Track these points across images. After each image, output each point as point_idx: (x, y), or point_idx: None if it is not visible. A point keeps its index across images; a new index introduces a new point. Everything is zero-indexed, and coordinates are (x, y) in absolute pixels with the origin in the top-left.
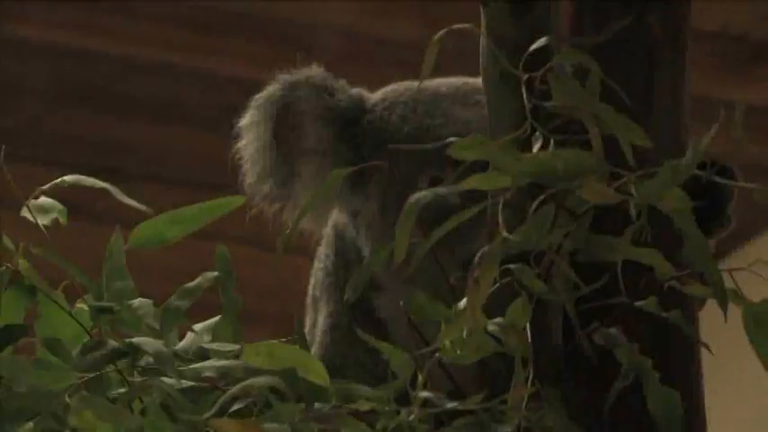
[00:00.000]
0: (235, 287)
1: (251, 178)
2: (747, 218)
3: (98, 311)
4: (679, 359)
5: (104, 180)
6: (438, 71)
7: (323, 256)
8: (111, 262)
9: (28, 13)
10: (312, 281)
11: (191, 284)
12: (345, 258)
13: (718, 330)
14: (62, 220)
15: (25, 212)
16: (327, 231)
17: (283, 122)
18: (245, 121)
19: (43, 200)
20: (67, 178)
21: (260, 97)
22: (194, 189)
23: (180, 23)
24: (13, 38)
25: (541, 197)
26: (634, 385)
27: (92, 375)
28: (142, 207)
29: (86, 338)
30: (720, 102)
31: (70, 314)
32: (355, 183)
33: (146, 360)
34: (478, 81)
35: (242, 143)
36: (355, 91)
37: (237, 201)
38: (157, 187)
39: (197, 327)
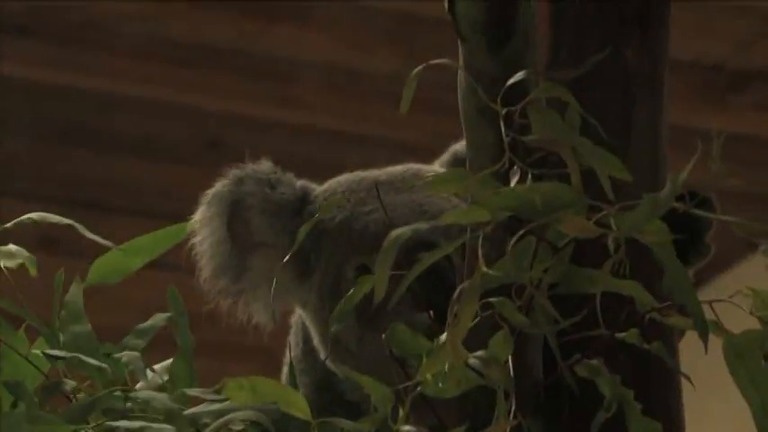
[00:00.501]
0: (188, 326)
1: (206, 273)
2: (725, 247)
3: (52, 358)
4: (659, 390)
5: (87, 214)
6: (416, 103)
7: (293, 343)
8: (69, 307)
9: (7, 50)
10: (285, 370)
11: (144, 325)
12: (310, 345)
13: (697, 362)
14: (32, 271)
15: None
16: (296, 319)
17: (235, 217)
18: (197, 216)
19: (11, 246)
20: (34, 215)
21: (210, 194)
22: (177, 222)
23: (160, 59)
24: None
25: (521, 231)
26: (615, 417)
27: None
28: (107, 242)
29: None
30: (697, 131)
31: (26, 359)
32: (301, 274)
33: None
34: (425, 167)
35: (197, 239)
36: (300, 183)
37: (184, 229)
38: (141, 221)
39: (156, 367)
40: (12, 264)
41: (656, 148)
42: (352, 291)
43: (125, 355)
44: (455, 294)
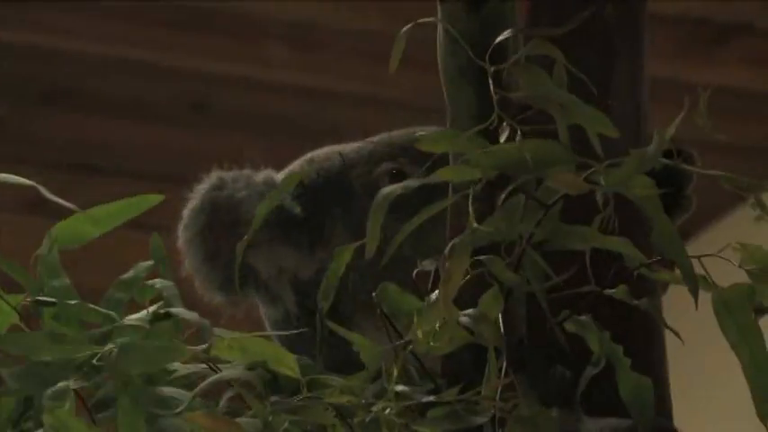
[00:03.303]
0: (171, 276)
1: (205, 293)
2: (709, 201)
3: (40, 305)
4: (643, 347)
5: (75, 176)
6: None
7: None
8: (45, 262)
9: None
10: None
11: (127, 275)
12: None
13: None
14: None
15: None
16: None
17: (214, 230)
18: (179, 242)
19: None
20: (1, 176)
21: (185, 216)
22: (163, 182)
23: (145, 21)
24: None
25: (510, 188)
26: (604, 372)
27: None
28: (70, 205)
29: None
30: (683, 84)
31: (7, 302)
32: (311, 245)
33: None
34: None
35: (185, 264)
36: (262, 175)
37: (156, 198)
38: (128, 182)
39: (134, 317)
40: None
41: (637, 102)
42: (332, 264)
43: (158, 282)
44: (445, 251)
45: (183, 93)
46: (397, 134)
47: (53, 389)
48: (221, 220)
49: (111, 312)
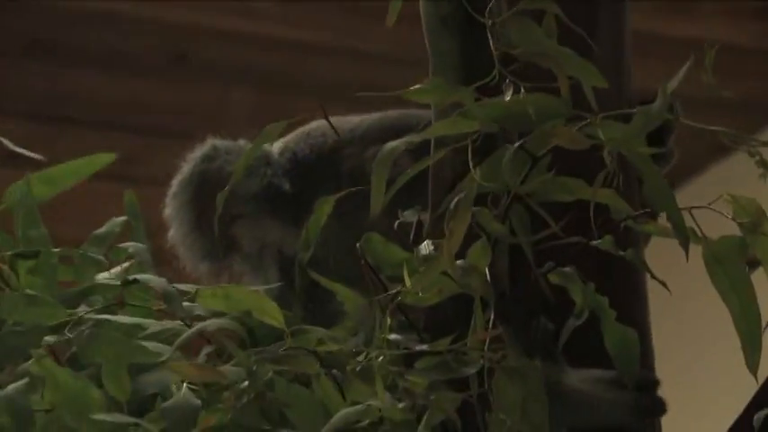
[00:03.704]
0: (143, 231)
1: (188, 262)
2: (691, 153)
3: (17, 257)
4: (625, 299)
5: (54, 128)
6: (380, 12)
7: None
8: (23, 211)
9: None
10: None
11: (101, 230)
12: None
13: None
14: None
15: None
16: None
17: (202, 199)
18: (167, 213)
19: None
20: None
21: (173, 187)
22: (145, 135)
23: None
24: None
25: (519, 143)
26: (589, 322)
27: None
28: (36, 155)
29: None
30: (662, 38)
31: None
32: (298, 220)
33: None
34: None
35: (171, 233)
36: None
37: (106, 159)
38: (108, 134)
39: (106, 275)
40: None
41: (619, 53)
42: (313, 216)
43: (131, 246)
44: (450, 205)
45: (165, 44)
46: (392, 116)
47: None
48: (210, 192)
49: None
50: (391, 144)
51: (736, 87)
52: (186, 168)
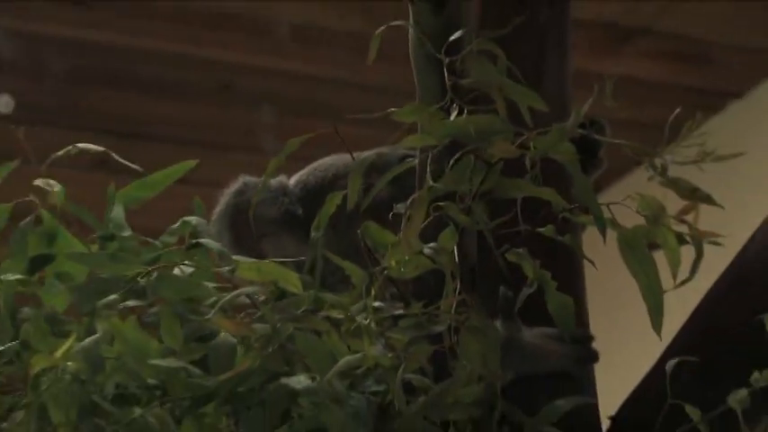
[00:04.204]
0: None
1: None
2: (614, 163)
3: (104, 240)
4: (565, 274)
5: (127, 142)
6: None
7: None
8: (114, 218)
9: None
10: None
11: (175, 226)
12: None
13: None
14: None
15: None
16: None
17: (239, 222)
18: (213, 230)
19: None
20: (81, 145)
21: (216, 214)
22: (195, 147)
23: (185, 20)
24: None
25: (460, 153)
26: (537, 291)
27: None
28: (136, 167)
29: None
30: (595, 75)
31: (87, 246)
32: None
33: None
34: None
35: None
36: (276, 181)
37: (189, 165)
38: (168, 146)
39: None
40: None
41: (563, 87)
42: (325, 205)
43: (194, 219)
44: (408, 202)
45: (212, 77)
46: (371, 156)
47: (106, 299)
48: (242, 219)
49: (158, 243)
50: (364, 155)
51: (651, 113)
52: (222, 201)
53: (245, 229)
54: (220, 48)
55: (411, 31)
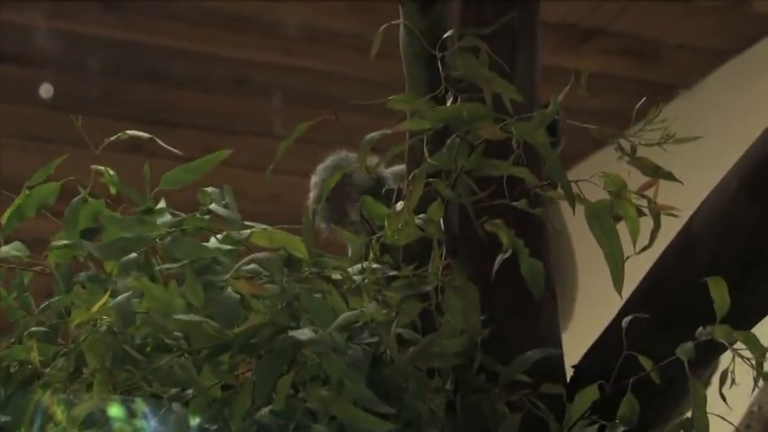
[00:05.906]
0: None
1: (317, 218)
2: (579, 145)
3: (144, 213)
4: (535, 242)
5: (155, 128)
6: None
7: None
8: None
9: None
10: None
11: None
12: None
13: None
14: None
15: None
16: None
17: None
18: (312, 180)
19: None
20: (129, 132)
21: (318, 169)
22: (214, 133)
23: (210, 23)
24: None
25: (453, 136)
26: (512, 257)
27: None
28: (175, 150)
29: None
30: (560, 69)
31: (128, 220)
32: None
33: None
34: None
35: (310, 195)
36: (376, 172)
37: (223, 154)
38: (191, 133)
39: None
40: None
41: (532, 80)
42: (326, 181)
43: (211, 190)
44: (409, 177)
45: (229, 72)
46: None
47: (127, 257)
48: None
49: (180, 213)
50: (369, 136)
51: (607, 103)
52: (329, 159)
53: (338, 189)
54: (236, 47)
55: (401, 29)
